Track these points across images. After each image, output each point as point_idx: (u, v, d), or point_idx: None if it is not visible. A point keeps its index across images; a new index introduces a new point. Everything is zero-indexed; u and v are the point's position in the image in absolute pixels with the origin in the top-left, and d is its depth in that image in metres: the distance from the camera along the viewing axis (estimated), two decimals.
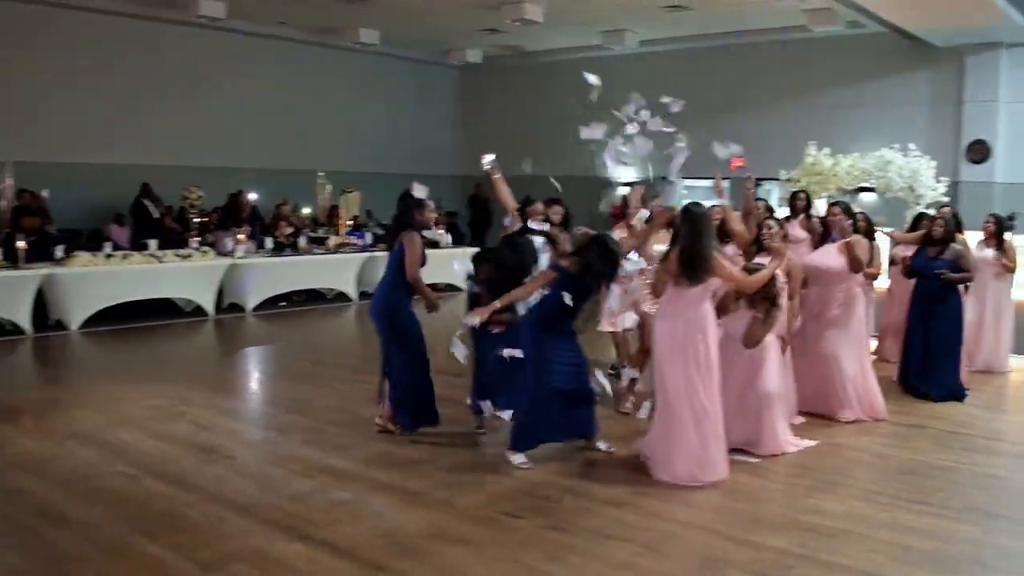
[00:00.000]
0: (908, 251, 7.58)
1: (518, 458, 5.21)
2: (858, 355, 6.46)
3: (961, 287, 7.20)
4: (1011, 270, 8.19)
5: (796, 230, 9.45)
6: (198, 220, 11.82)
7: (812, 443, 5.73)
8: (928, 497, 4.82)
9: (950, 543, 4.20)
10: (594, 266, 5.12)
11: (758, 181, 12.14)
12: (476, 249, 6.73)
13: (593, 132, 5.82)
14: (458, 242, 14.30)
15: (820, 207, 8.86)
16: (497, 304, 5.16)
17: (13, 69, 12.06)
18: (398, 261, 5.65)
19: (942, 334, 7.04)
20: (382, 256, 12.72)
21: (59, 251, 9.64)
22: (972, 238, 8.25)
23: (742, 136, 12.99)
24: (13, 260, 9.19)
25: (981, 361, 8.15)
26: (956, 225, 7.40)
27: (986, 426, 6.53)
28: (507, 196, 6.24)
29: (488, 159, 6.16)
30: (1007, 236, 8.21)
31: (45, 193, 10.93)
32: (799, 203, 9.80)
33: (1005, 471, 5.43)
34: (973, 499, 4.86)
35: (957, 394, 7.02)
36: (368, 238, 13.34)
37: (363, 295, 12.79)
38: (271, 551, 3.96)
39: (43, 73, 12.29)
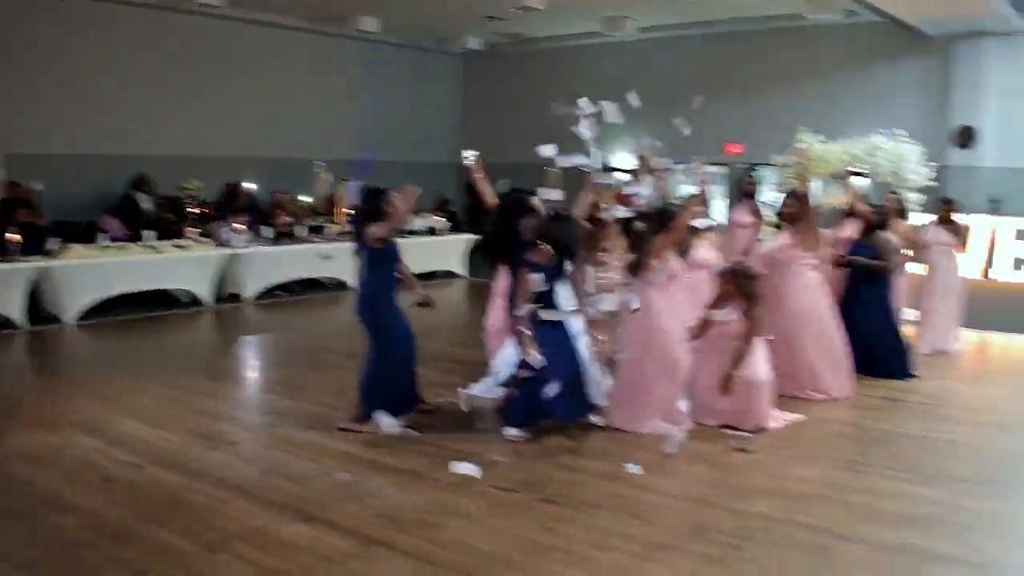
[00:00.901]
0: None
1: (512, 431, 5.38)
2: (817, 336, 6.57)
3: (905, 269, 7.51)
4: (962, 249, 8.62)
5: (741, 215, 9.68)
6: (195, 211, 11.90)
7: (799, 417, 5.92)
8: (900, 464, 5.14)
9: (917, 504, 4.48)
10: (553, 235, 5.36)
11: (752, 167, 12.31)
12: (473, 236, 6.89)
13: (547, 150, 5.98)
14: (455, 229, 14.40)
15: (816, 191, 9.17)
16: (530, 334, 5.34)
17: (3, 59, 12.01)
18: (370, 258, 5.59)
19: (869, 319, 7.14)
20: None
21: (53, 244, 9.66)
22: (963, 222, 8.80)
23: (737, 121, 13.10)
24: (3, 252, 9.21)
25: (934, 340, 8.35)
26: (900, 211, 7.84)
27: (957, 399, 6.86)
28: (488, 193, 6.36)
29: (470, 155, 6.28)
30: (957, 217, 8.65)
31: (38, 186, 10.90)
32: (748, 187, 10.03)
33: (972, 439, 5.73)
34: (942, 465, 5.14)
35: (899, 374, 7.16)
36: None
37: None
38: (274, 531, 4.10)
39: (34, 63, 12.27)
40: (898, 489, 4.69)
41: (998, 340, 9.25)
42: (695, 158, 7.38)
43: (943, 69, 12.53)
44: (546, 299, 5.41)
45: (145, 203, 11.96)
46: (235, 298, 11.30)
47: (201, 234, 11.33)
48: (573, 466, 4.99)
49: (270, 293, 11.74)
